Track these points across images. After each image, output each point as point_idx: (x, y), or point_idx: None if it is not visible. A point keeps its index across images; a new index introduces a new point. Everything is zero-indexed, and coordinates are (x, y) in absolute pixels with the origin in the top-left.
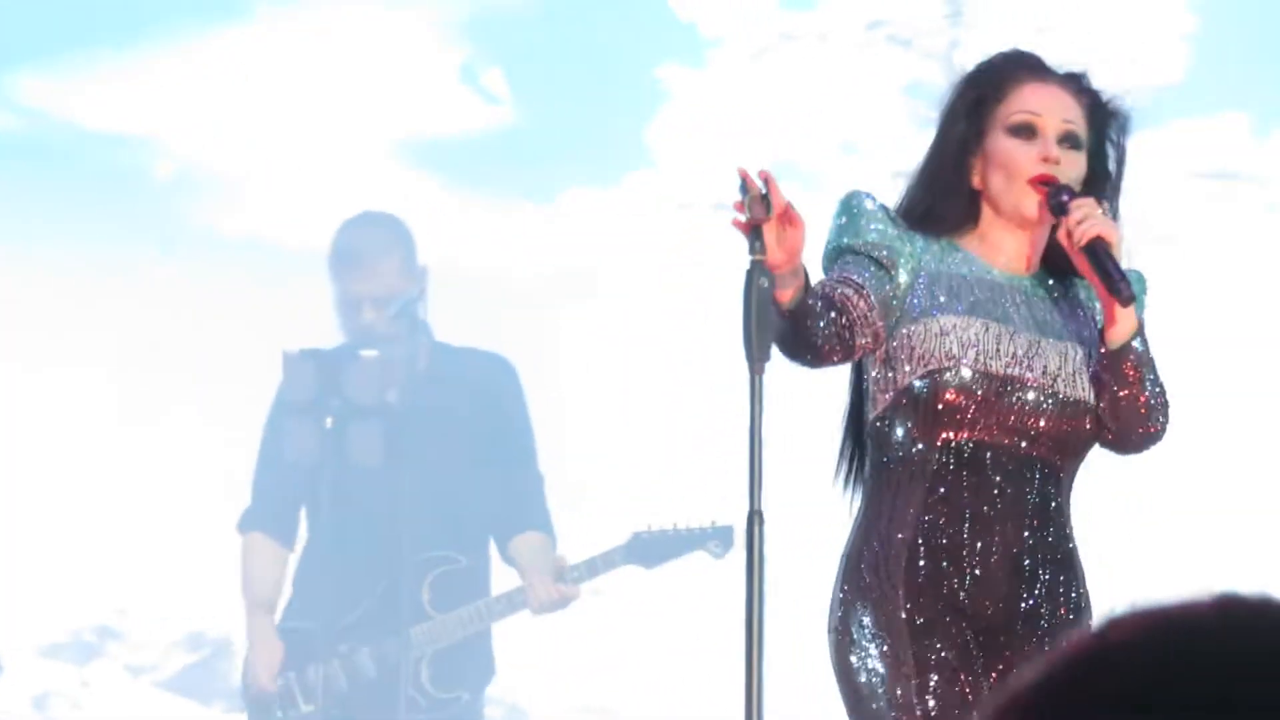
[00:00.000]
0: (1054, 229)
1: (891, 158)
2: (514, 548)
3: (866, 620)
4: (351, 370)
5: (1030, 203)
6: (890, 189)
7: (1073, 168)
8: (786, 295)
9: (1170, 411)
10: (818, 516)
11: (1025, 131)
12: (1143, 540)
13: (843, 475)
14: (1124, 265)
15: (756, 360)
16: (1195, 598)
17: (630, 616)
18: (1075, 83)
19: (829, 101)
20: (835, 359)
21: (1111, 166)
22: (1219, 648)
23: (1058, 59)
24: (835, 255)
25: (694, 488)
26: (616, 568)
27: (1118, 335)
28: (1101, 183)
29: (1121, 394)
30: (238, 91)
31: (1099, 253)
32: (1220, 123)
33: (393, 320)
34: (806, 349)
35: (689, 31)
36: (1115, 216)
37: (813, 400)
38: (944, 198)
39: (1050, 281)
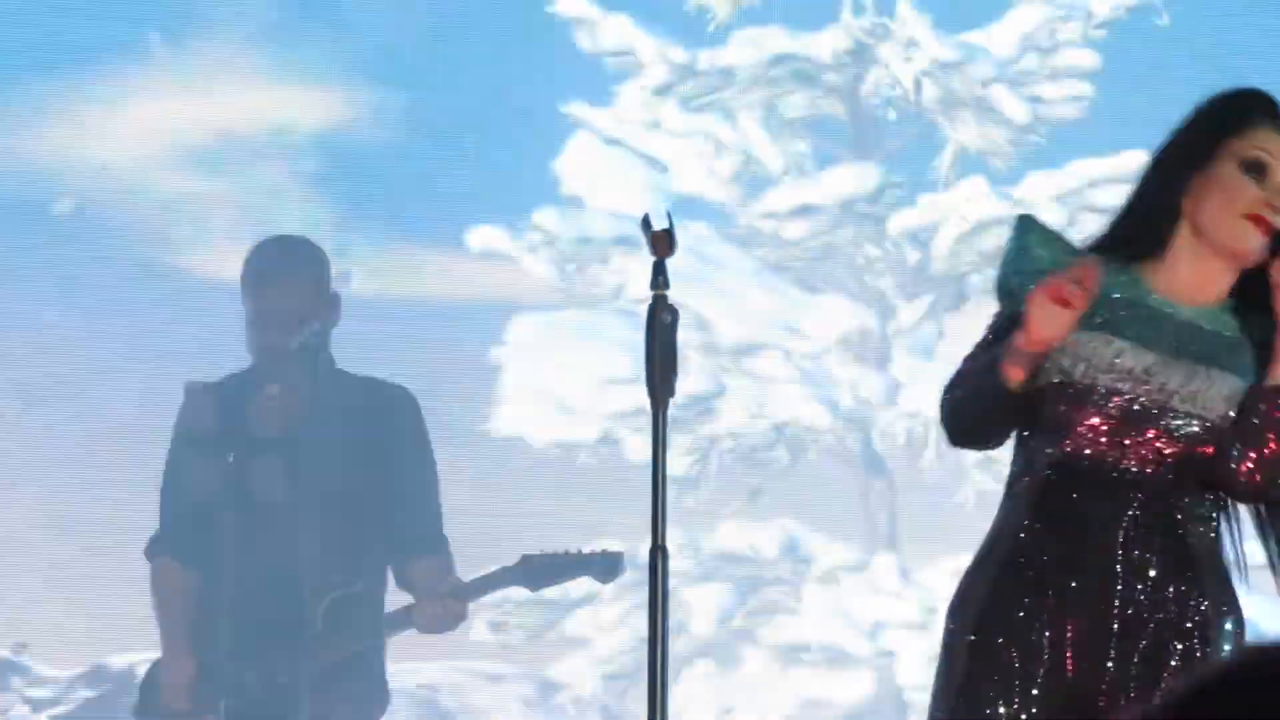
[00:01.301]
0: (1260, 268)
1: (797, 192)
2: (410, 572)
3: (950, 633)
4: (253, 404)
5: (1245, 235)
6: (795, 224)
7: None
8: (1020, 376)
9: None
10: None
11: (1257, 170)
12: None
13: None
14: None
15: (659, 396)
16: None
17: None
18: None
19: (735, 136)
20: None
21: None
22: None
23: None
24: (1001, 288)
25: (594, 520)
26: (503, 588)
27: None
28: None
29: (1246, 435)
30: (138, 123)
31: None
32: (1121, 160)
33: (300, 346)
34: (990, 440)
35: (596, 67)
36: None
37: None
38: (1146, 214)
39: (1225, 317)
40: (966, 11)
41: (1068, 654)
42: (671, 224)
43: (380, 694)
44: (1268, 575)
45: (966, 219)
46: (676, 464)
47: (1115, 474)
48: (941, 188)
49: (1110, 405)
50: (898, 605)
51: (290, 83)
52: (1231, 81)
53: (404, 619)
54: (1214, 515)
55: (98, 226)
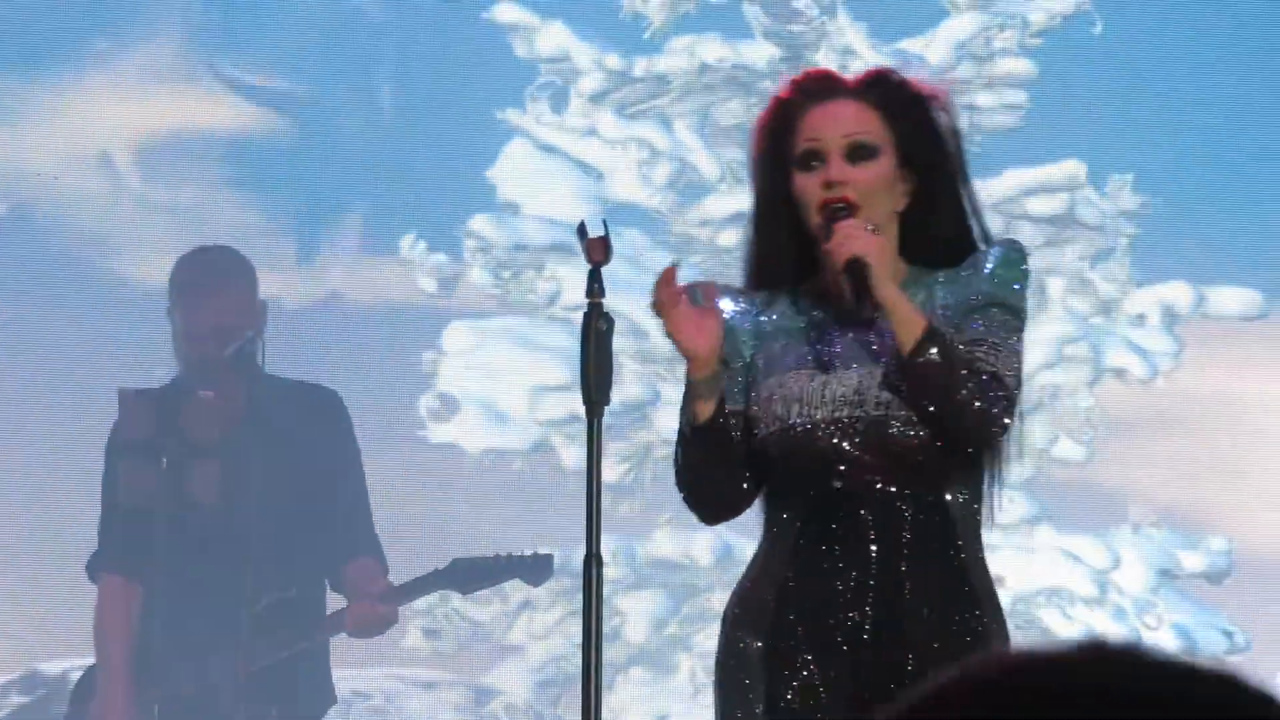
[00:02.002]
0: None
1: (731, 200)
2: (343, 575)
3: (733, 644)
4: (187, 409)
5: (832, 248)
6: (730, 231)
7: (868, 179)
8: (708, 409)
9: (1002, 405)
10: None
11: (810, 160)
12: None
13: None
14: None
15: (595, 403)
16: (1061, 643)
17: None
18: (865, 89)
19: (670, 143)
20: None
21: (938, 149)
22: (1082, 687)
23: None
24: None
25: (528, 528)
26: (433, 591)
27: (900, 346)
28: (936, 171)
29: (928, 406)
30: (72, 128)
31: (855, 272)
32: (1057, 169)
33: (231, 356)
34: (729, 499)
35: (532, 73)
36: (958, 194)
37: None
38: (777, 256)
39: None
40: (902, 20)
41: (865, 693)
42: (607, 231)
43: (321, 696)
44: (1200, 583)
45: None
46: (611, 471)
47: (879, 496)
48: None
49: (840, 435)
50: None
51: (224, 88)
52: (1166, 86)
53: (336, 622)
54: (980, 519)
55: (31, 231)
